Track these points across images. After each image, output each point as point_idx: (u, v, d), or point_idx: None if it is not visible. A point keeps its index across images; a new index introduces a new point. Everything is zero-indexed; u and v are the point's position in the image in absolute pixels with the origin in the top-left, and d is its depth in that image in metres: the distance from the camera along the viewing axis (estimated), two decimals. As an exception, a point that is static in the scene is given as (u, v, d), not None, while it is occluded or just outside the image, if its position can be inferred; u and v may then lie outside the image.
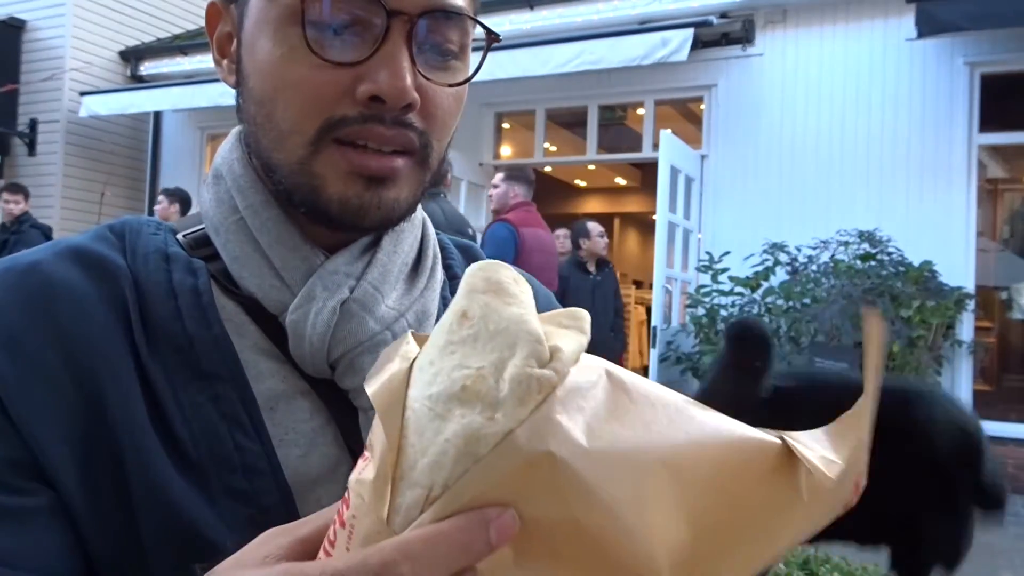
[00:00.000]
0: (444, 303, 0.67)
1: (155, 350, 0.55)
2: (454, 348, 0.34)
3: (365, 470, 0.35)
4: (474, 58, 0.61)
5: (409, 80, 0.54)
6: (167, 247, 0.60)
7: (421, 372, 0.35)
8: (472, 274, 0.37)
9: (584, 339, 0.36)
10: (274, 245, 0.59)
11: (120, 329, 0.55)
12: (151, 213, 9.36)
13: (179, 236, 0.63)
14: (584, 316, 0.38)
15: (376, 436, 0.35)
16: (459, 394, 0.33)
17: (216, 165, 0.65)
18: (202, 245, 0.62)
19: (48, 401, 0.51)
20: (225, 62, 0.63)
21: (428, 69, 0.57)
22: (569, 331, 0.37)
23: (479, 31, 0.62)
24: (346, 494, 0.36)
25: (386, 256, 0.62)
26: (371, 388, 0.35)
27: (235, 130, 0.67)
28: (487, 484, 0.32)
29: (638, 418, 0.34)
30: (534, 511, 0.32)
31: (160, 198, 6.41)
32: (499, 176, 5.04)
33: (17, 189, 6.92)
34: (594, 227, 6.03)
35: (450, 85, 0.59)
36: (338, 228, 0.59)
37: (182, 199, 6.43)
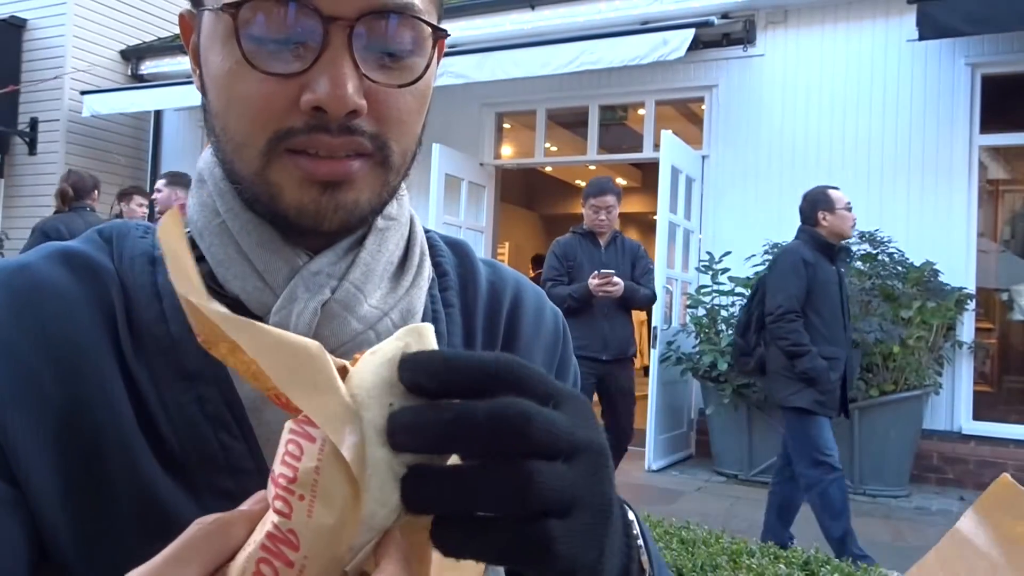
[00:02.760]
0: (432, 301, 0.67)
1: (140, 352, 0.56)
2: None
3: (316, 513, 0.37)
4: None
5: (351, 87, 0.53)
6: (154, 250, 0.60)
7: (378, 433, 0.39)
8: (408, 342, 0.40)
9: None
10: (255, 248, 0.60)
11: (106, 330, 0.55)
12: (151, 211, 9.37)
13: None
14: None
15: (331, 480, 0.38)
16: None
17: (199, 169, 0.65)
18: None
19: (27, 400, 0.52)
20: (199, 71, 0.63)
21: (377, 71, 0.56)
22: None
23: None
24: (275, 530, 0.37)
25: (370, 255, 0.62)
26: (345, 449, 0.37)
27: None
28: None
29: None
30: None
31: (159, 185, 5.49)
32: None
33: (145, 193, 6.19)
34: (839, 197, 4.00)
35: (399, 86, 0.57)
36: (302, 234, 0.59)
37: (186, 185, 5.49)
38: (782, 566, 2.33)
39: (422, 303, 0.65)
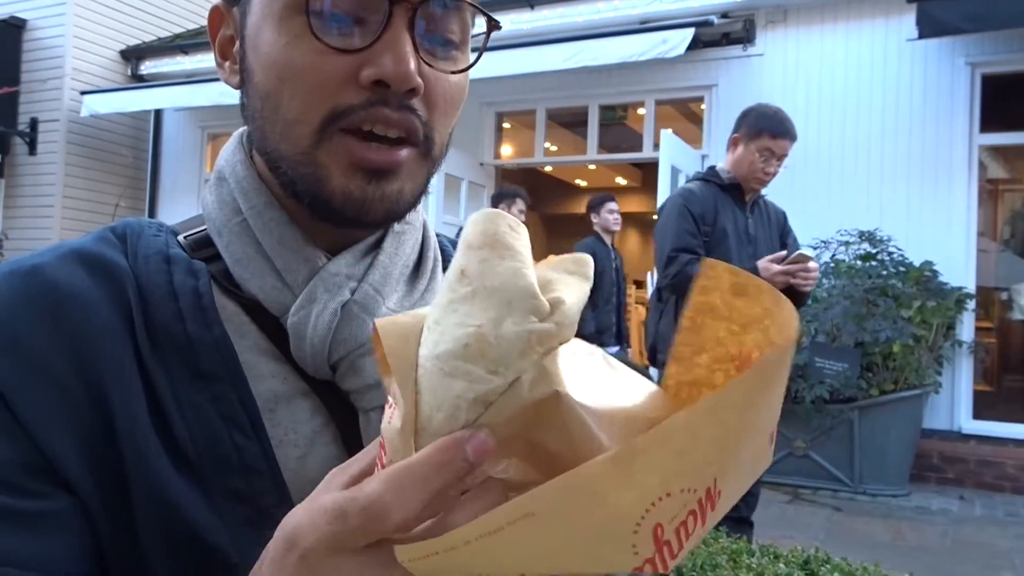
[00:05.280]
0: None
1: (157, 351, 0.55)
2: (456, 306, 0.37)
3: (393, 418, 0.39)
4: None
5: (412, 64, 0.55)
6: (168, 249, 0.60)
7: (429, 331, 0.38)
8: (469, 228, 0.39)
9: (587, 286, 0.39)
10: (276, 247, 0.60)
11: (124, 330, 0.55)
12: (152, 212, 9.37)
13: (180, 238, 0.63)
14: (587, 261, 0.40)
15: (395, 388, 0.38)
16: (462, 352, 0.36)
17: (219, 167, 0.65)
18: (203, 246, 0.62)
19: (57, 405, 0.51)
20: (227, 64, 0.64)
21: (430, 57, 0.57)
22: (573, 278, 0.39)
23: (479, 28, 0.62)
24: (381, 438, 0.40)
25: (388, 258, 0.62)
26: (385, 343, 0.38)
27: (237, 132, 0.67)
28: (494, 422, 0.36)
29: (620, 377, 0.41)
30: (541, 438, 0.36)
31: None
32: None
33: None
34: None
35: (452, 72, 0.59)
36: (341, 223, 0.59)
37: None
38: (782, 565, 2.34)
39: None
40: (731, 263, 0.41)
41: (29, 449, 0.50)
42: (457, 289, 0.38)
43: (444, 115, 0.60)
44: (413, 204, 0.61)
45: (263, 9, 0.58)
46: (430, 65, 0.57)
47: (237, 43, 0.62)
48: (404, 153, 0.57)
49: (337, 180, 0.57)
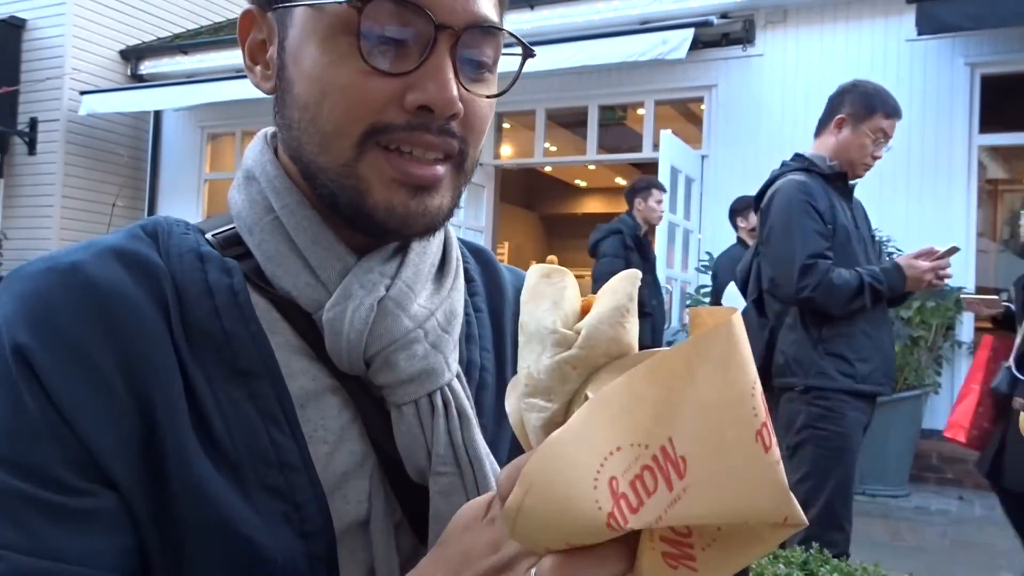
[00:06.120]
0: (464, 304, 0.69)
1: (194, 348, 0.56)
2: (520, 354, 0.46)
3: None
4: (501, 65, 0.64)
5: (455, 91, 0.57)
6: (199, 247, 0.60)
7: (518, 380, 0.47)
8: (524, 283, 0.47)
9: (615, 301, 0.43)
10: (310, 245, 0.61)
11: (164, 328, 0.55)
12: (151, 211, 9.38)
13: (208, 236, 0.63)
14: (630, 279, 0.44)
15: None
16: (525, 391, 0.44)
17: (247, 167, 0.65)
18: (232, 244, 0.63)
19: (101, 402, 0.52)
20: (258, 68, 0.64)
21: (467, 81, 0.59)
22: (602, 299, 0.44)
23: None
24: None
25: (417, 257, 0.64)
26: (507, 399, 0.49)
27: (261, 132, 0.68)
28: None
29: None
30: None
31: None
32: None
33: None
34: None
35: (487, 96, 0.61)
36: (381, 234, 0.61)
37: None
38: (781, 566, 2.33)
39: (462, 304, 0.67)
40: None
41: (75, 446, 0.50)
42: (520, 340, 0.46)
43: (479, 134, 0.62)
44: (449, 217, 0.63)
45: (306, 24, 0.58)
46: (467, 89, 0.59)
47: (271, 50, 0.62)
48: (442, 169, 0.60)
49: (380, 194, 0.58)
